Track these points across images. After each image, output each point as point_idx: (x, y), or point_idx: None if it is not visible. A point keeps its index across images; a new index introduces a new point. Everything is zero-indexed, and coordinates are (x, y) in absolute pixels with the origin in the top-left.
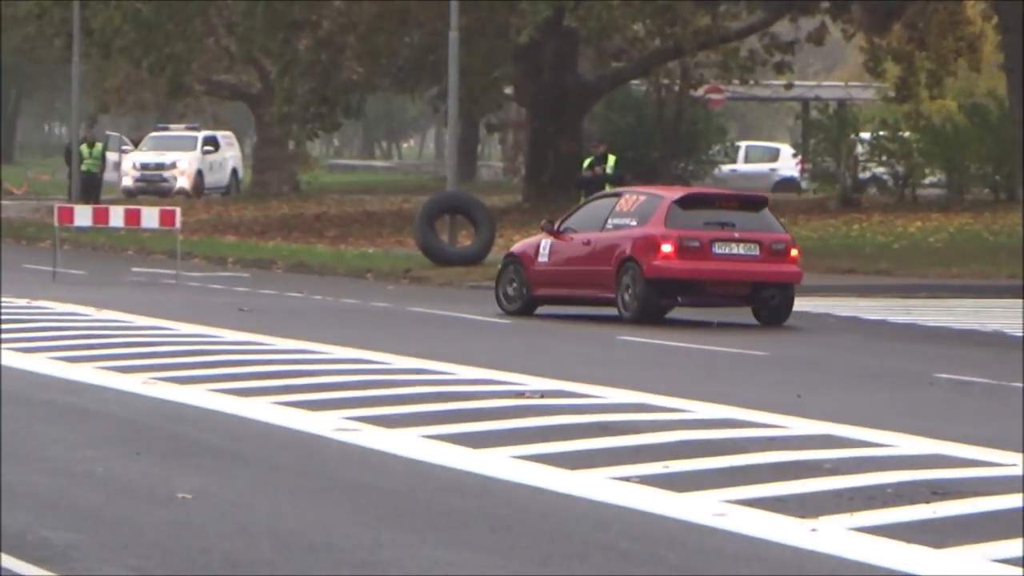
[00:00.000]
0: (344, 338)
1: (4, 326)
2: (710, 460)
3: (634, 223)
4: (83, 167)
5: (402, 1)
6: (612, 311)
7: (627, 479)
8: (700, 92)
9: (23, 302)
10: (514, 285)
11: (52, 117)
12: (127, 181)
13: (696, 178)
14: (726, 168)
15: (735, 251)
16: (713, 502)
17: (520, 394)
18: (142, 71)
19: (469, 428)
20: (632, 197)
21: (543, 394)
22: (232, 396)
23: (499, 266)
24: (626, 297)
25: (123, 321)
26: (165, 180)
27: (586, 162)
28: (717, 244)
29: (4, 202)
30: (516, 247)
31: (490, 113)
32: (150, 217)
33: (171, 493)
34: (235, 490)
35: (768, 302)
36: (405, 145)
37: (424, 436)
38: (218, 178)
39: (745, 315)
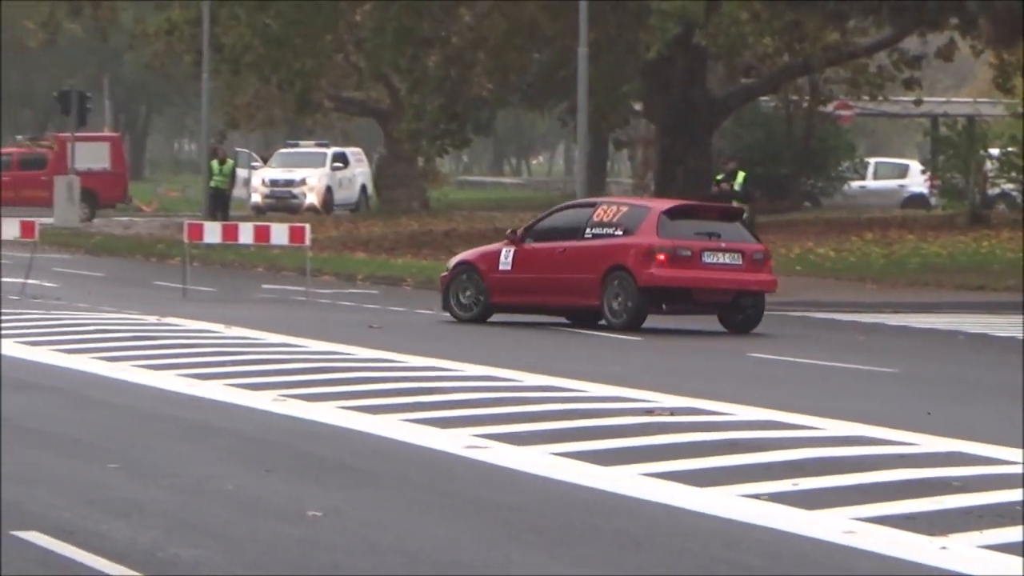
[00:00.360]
0: (473, 355)
1: (134, 343)
2: (839, 477)
3: (619, 233)
4: (212, 183)
5: (532, 15)
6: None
7: (756, 496)
8: (829, 108)
9: (153, 319)
10: (468, 293)
11: (182, 134)
12: (256, 198)
13: (825, 195)
14: (855, 184)
15: (722, 260)
16: (842, 519)
17: (650, 411)
18: (271, 87)
19: (599, 446)
20: (612, 208)
21: (672, 411)
22: (362, 413)
23: (446, 273)
24: (615, 305)
25: (253, 338)
26: (294, 197)
27: (716, 178)
28: (706, 253)
29: (134, 219)
30: (467, 255)
31: (619, 128)
32: (280, 234)
33: (301, 511)
34: (365, 508)
35: (746, 310)
36: (535, 161)
37: (554, 453)
38: (347, 195)
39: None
